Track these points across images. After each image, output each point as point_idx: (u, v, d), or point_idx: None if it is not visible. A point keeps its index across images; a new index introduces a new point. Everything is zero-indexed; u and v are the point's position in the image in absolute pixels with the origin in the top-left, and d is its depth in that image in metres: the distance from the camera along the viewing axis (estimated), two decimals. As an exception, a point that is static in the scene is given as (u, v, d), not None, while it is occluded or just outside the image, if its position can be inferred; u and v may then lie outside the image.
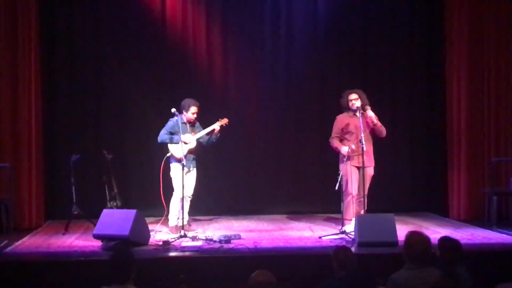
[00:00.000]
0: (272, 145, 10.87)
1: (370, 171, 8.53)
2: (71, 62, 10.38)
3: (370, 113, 8.46)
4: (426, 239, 5.00)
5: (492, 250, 7.53)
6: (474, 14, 10.04)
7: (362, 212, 8.34)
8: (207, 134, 8.68)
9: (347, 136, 8.57)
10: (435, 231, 8.58)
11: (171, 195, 8.61)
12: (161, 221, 8.68)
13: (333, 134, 8.68)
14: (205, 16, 10.70)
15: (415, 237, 5.02)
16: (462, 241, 5.91)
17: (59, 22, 10.35)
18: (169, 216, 8.61)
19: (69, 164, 9.10)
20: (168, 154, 8.53)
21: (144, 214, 8.10)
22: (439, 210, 10.45)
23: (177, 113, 8.40)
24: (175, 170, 8.54)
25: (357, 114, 8.51)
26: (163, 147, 8.60)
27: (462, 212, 10.01)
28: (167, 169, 8.59)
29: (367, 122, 8.49)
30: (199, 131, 8.68)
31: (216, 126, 8.64)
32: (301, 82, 10.85)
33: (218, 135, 8.70)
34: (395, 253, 6.56)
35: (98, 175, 9.71)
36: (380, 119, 8.68)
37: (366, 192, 8.34)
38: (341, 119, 8.66)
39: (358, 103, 8.50)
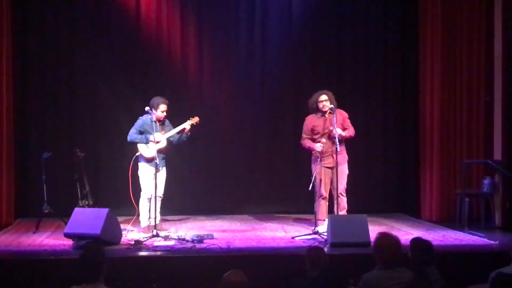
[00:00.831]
0: (246, 144, 10.85)
1: (344, 169, 8.53)
2: (44, 60, 10.29)
3: (338, 131, 8.24)
4: (395, 241, 4.98)
5: (463, 252, 7.57)
6: (447, 12, 10.07)
7: (343, 212, 8.38)
8: (178, 133, 8.61)
9: (316, 137, 8.56)
10: (407, 232, 8.63)
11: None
12: (132, 221, 8.61)
13: (304, 135, 8.67)
14: (180, 15, 10.67)
15: (384, 239, 5.00)
16: (434, 242, 5.94)
17: (31, 18, 10.26)
18: (140, 218, 8.54)
19: (41, 162, 9.01)
20: (137, 154, 8.46)
21: (116, 213, 8.02)
22: (411, 211, 10.51)
23: (150, 111, 8.34)
24: (144, 170, 8.46)
25: (326, 115, 8.53)
26: (133, 146, 8.52)
27: (434, 214, 10.06)
28: (136, 169, 8.52)
29: (337, 120, 8.37)
30: (169, 130, 8.60)
31: (187, 125, 8.57)
32: (276, 82, 10.86)
33: (189, 134, 8.64)
34: (368, 253, 6.56)
35: (70, 173, 9.62)
36: (353, 119, 8.72)
37: (342, 191, 8.39)
38: (310, 120, 8.65)
39: (328, 104, 8.50)
